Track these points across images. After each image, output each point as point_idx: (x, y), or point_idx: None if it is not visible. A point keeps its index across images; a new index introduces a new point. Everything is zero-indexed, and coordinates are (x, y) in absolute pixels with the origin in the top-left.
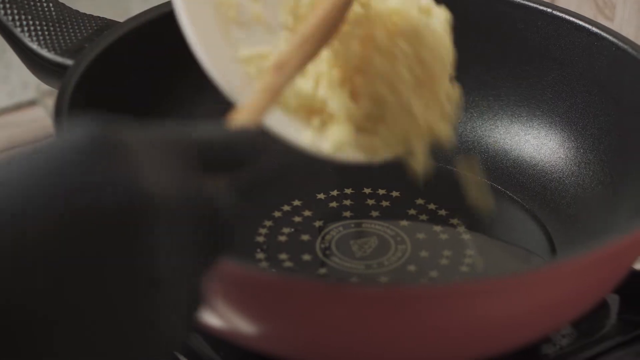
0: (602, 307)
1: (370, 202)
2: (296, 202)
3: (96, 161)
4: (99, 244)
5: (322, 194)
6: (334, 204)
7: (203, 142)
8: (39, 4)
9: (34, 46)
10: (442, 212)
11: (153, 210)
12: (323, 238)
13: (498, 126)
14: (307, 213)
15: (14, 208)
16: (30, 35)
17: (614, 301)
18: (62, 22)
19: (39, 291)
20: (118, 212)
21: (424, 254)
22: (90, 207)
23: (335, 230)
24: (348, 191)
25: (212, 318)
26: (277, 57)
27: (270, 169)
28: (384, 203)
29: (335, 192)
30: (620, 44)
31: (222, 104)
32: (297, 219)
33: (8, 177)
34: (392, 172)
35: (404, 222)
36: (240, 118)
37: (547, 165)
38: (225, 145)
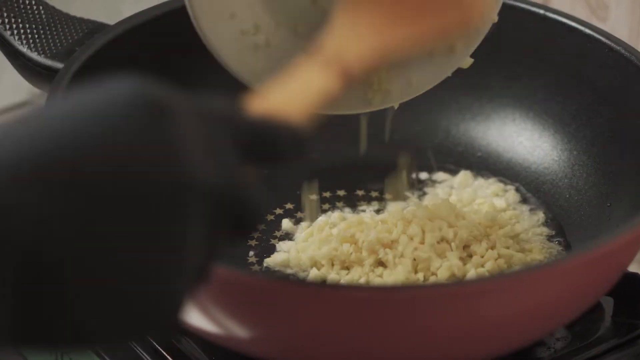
0: (596, 309)
1: (363, 203)
2: (288, 205)
3: (144, 126)
4: (134, 212)
5: (314, 195)
6: (326, 206)
7: (250, 127)
8: (28, 7)
9: (24, 49)
10: None
11: (190, 192)
12: None
13: (491, 128)
14: (299, 215)
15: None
16: (20, 39)
17: (608, 304)
18: (52, 25)
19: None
20: (158, 187)
21: None
22: (134, 175)
23: None
24: (340, 193)
25: (204, 322)
26: (349, 57)
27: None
28: (376, 205)
29: (327, 194)
30: (614, 45)
31: None
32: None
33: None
34: (385, 173)
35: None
36: (292, 114)
37: (540, 167)
38: (270, 137)
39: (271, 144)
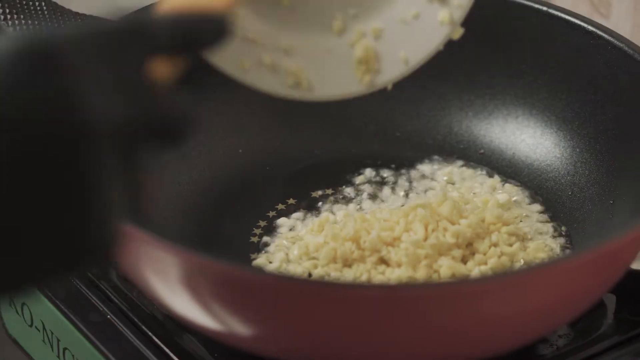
0: (598, 306)
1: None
2: (291, 201)
3: (26, 77)
4: (32, 170)
5: (317, 191)
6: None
7: (164, 26)
8: (30, 2)
9: None
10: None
11: (91, 138)
12: None
13: (493, 125)
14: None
15: None
16: None
17: (610, 301)
18: (54, 20)
19: None
20: (52, 142)
21: None
22: (21, 136)
23: None
24: (344, 188)
25: (206, 319)
26: None
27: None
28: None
29: (329, 191)
30: (616, 42)
31: (217, 102)
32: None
33: None
34: (389, 170)
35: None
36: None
37: (542, 164)
38: (187, 29)
39: (190, 34)
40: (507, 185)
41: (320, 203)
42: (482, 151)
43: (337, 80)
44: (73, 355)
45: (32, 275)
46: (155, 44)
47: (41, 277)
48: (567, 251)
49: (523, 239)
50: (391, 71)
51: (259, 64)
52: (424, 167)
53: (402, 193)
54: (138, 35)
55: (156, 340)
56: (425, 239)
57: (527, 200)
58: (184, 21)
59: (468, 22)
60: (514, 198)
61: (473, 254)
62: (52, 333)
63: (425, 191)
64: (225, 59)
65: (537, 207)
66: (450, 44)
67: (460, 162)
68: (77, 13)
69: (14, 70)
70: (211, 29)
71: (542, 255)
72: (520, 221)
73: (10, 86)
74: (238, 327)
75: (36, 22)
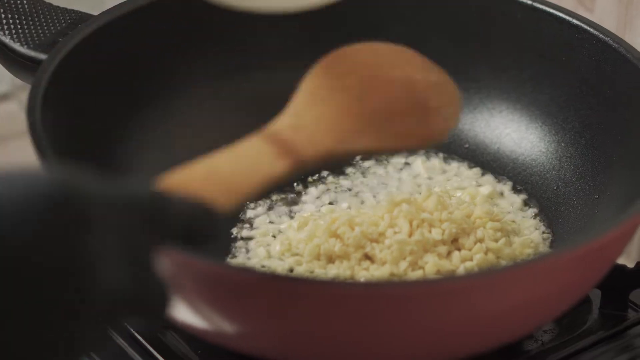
0: (583, 301)
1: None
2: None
3: (53, 230)
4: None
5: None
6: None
7: (162, 211)
8: None
9: (6, 40)
10: None
11: (90, 302)
12: None
13: (478, 119)
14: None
15: None
16: (2, 29)
17: (595, 296)
18: (35, 15)
19: None
20: (59, 295)
21: None
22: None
23: None
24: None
25: (189, 316)
26: (307, 148)
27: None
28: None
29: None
30: (602, 36)
31: (200, 98)
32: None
33: None
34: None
35: None
36: (221, 198)
37: (527, 159)
38: (186, 220)
39: (186, 228)
40: (491, 179)
41: (303, 198)
42: (466, 145)
43: None
44: None
45: None
46: (168, 233)
47: None
48: (552, 246)
49: (509, 234)
50: None
51: None
52: (408, 162)
53: (385, 189)
54: (157, 219)
55: (139, 337)
56: (410, 234)
57: (511, 195)
58: (195, 216)
59: (452, 15)
60: (499, 193)
61: (459, 249)
62: None
63: (410, 186)
64: None
65: (522, 202)
66: (434, 39)
67: (444, 157)
68: (58, 7)
69: (38, 211)
70: (211, 231)
71: (528, 251)
72: (509, 213)
73: (40, 231)
74: (220, 325)
75: (16, 17)
